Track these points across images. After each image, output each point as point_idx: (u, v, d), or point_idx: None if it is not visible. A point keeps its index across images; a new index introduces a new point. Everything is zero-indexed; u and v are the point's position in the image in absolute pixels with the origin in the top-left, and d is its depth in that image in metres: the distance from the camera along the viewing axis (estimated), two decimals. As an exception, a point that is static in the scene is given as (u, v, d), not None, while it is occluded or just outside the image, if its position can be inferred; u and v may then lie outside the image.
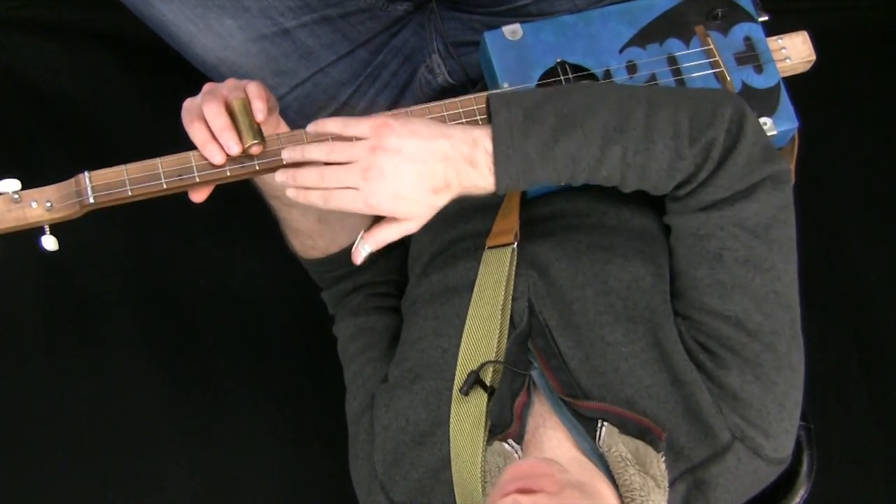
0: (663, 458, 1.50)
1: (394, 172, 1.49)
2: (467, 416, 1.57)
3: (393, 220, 1.53)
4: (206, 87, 1.61)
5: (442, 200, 1.52)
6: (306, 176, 1.52)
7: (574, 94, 1.55)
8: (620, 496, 1.47)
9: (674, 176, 1.54)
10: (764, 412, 1.54)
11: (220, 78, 1.93)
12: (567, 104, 1.53)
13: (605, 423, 1.51)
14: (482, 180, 1.51)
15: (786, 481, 1.72)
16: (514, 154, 1.50)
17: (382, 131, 1.50)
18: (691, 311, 1.59)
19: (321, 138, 1.58)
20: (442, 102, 1.66)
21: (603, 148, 1.51)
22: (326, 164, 1.53)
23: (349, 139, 1.53)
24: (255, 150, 1.56)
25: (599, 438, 1.50)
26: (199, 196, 1.60)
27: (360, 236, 1.56)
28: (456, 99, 1.67)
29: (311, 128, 1.58)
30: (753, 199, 1.56)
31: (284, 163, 1.57)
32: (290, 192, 1.54)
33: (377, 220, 1.56)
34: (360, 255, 1.57)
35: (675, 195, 1.59)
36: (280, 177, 1.54)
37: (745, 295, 1.56)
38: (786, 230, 1.60)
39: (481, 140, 1.51)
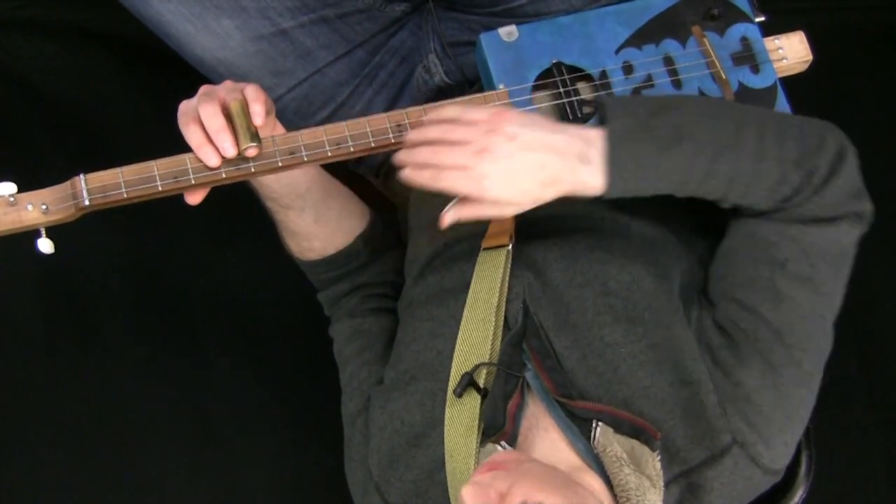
0: (658, 458, 1.50)
1: (508, 156, 1.49)
2: (461, 418, 1.57)
3: (481, 203, 1.52)
4: (203, 88, 1.60)
5: (547, 195, 1.52)
6: (420, 153, 1.53)
7: (687, 107, 1.56)
8: (615, 496, 1.47)
9: (773, 197, 1.56)
10: (770, 420, 1.54)
11: (219, 78, 1.94)
12: (681, 116, 1.54)
13: (600, 423, 1.51)
14: (593, 180, 1.51)
15: (784, 481, 1.71)
16: (629, 159, 1.50)
17: (501, 117, 1.51)
18: (733, 306, 1.59)
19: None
20: (439, 104, 1.66)
21: (713, 162, 1.52)
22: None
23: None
24: (252, 152, 1.56)
25: (594, 438, 1.50)
26: (194, 198, 1.59)
27: (454, 201, 1.55)
28: (453, 100, 1.67)
29: (430, 116, 1.59)
30: (834, 226, 1.58)
31: (405, 145, 1.58)
32: (406, 173, 1.54)
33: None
34: (447, 219, 1.55)
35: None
36: (401, 155, 1.56)
37: (794, 309, 1.57)
38: (848, 266, 1.62)
39: (596, 140, 1.51)
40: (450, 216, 1.55)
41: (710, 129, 1.54)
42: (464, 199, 1.54)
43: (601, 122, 1.54)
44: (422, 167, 1.54)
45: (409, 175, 1.54)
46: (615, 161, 1.50)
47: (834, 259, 1.59)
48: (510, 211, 1.53)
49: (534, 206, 1.53)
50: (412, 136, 1.57)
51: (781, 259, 1.58)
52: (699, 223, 1.75)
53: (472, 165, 1.50)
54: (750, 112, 1.59)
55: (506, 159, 1.49)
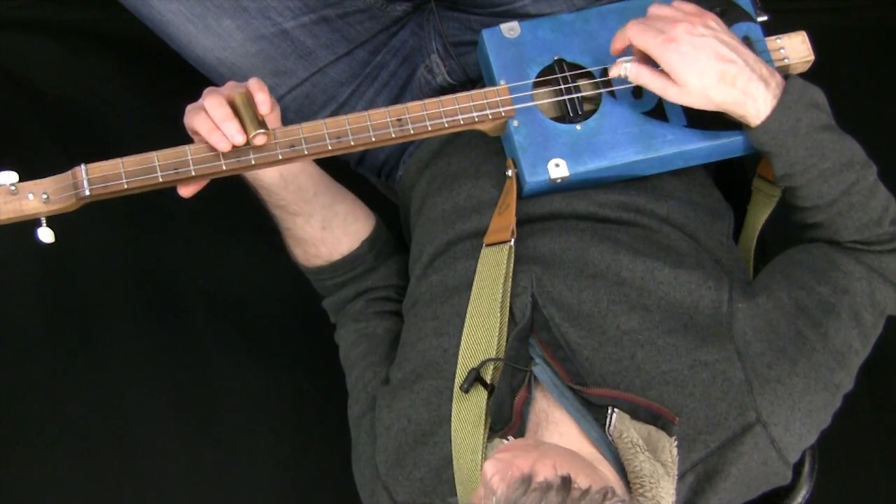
0: (675, 443, 1.51)
1: (702, 35, 1.61)
2: (468, 414, 1.58)
3: (671, 81, 1.63)
4: (207, 90, 1.63)
5: (717, 94, 1.61)
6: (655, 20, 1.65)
7: (834, 123, 1.69)
8: (628, 484, 1.47)
9: (862, 232, 1.69)
10: (795, 407, 1.57)
11: (220, 78, 1.95)
12: (831, 119, 1.68)
13: (616, 410, 1.52)
14: (762, 103, 1.62)
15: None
16: (793, 110, 1.63)
17: (710, 14, 1.66)
18: (784, 300, 1.65)
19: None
20: (439, 99, 1.67)
21: (845, 168, 1.66)
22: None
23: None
24: (260, 140, 1.58)
25: (610, 425, 1.51)
26: (188, 190, 1.61)
27: (629, 58, 1.67)
28: (454, 96, 1.68)
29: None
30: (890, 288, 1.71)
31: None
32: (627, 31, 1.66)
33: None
34: (617, 70, 1.67)
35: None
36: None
37: (841, 326, 1.65)
38: (880, 327, 1.72)
39: (779, 78, 1.65)
40: (622, 67, 1.67)
41: (854, 144, 1.69)
42: (638, 62, 1.66)
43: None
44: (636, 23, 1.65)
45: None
46: (783, 103, 1.62)
47: (878, 313, 1.70)
48: (672, 93, 1.63)
49: (700, 100, 1.63)
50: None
51: (844, 286, 1.67)
52: (708, 218, 1.78)
53: (666, 30, 1.61)
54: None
55: (700, 37, 1.60)
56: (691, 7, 1.66)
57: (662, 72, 1.63)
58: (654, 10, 1.67)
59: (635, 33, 1.64)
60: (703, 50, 1.59)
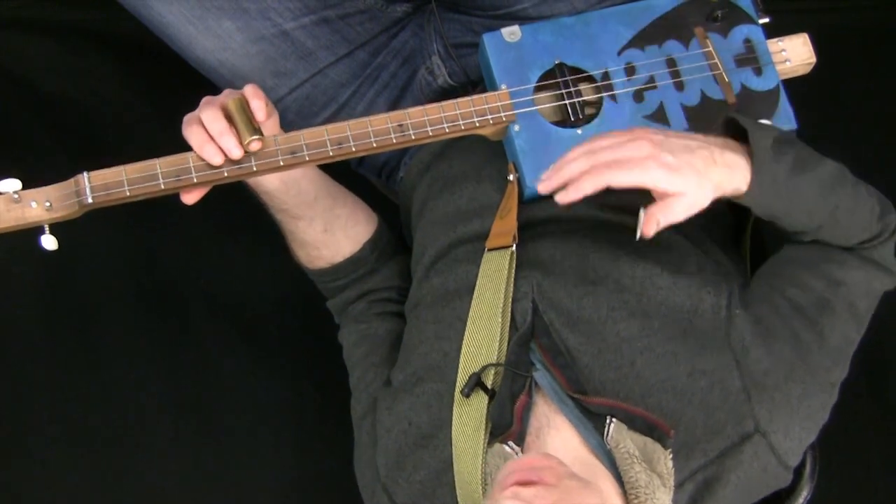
0: (671, 456, 1.50)
1: (661, 141, 1.50)
2: (468, 419, 1.58)
3: (671, 198, 1.51)
4: (204, 99, 1.63)
5: (714, 176, 1.51)
6: (603, 154, 1.51)
7: (799, 144, 1.63)
8: (625, 493, 1.47)
9: (850, 240, 1.66)
10: (794, 412, 1.57)
11: (220, 79, 1.95)
12: (799, 150, 1.61)
13: (614, 420, 1.51)
14: (740, 167, 1.53)
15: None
16: (769, 168, 1.54)
17: (642, 129, 1.54)
18: (780, 301, 1.64)
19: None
20: (440, 104, 1.66)
21: (824, 195, 1.61)
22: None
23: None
24: (255, 146, 1.58)
25: (608, 435, 1.51)
26: (191, 197, 1.61)
27: (645, 211, 1.52)
28: (455, 101, 1.68)
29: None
30: (883, 273, 1.70)
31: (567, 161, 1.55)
32: (590, 182, 1.52)
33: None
34: (651, 227, 1.51)
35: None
36: (565, 171, 1.54)
37: (837, 322, 1.65)
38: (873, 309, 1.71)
39: (730, 141, 1.56)
40: (652, 226, 1.52)
41: (823, 165, 1.62)
42: (657, 208, 1.52)
43: (731, 130, 1.60)
44: (598, 169, 1.51)
45: (593, 183, 1.51)
46: (758, 168, 1.54)
47: (873, 298, 1.69)
48: (680, 208, 1.50)
49: (703, 193, 1.51)
50: (572, 155, 1.55)
51: (839, 277, 1.65)
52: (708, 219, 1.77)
53: (632, 154, 1.49)
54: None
55: (664, 141, 1.50)
56: (620, 131, 1.57)
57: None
58: (596, 143, 1.55)
59: (608, 178, 1.52)
60: (679, 151, 1.51)
